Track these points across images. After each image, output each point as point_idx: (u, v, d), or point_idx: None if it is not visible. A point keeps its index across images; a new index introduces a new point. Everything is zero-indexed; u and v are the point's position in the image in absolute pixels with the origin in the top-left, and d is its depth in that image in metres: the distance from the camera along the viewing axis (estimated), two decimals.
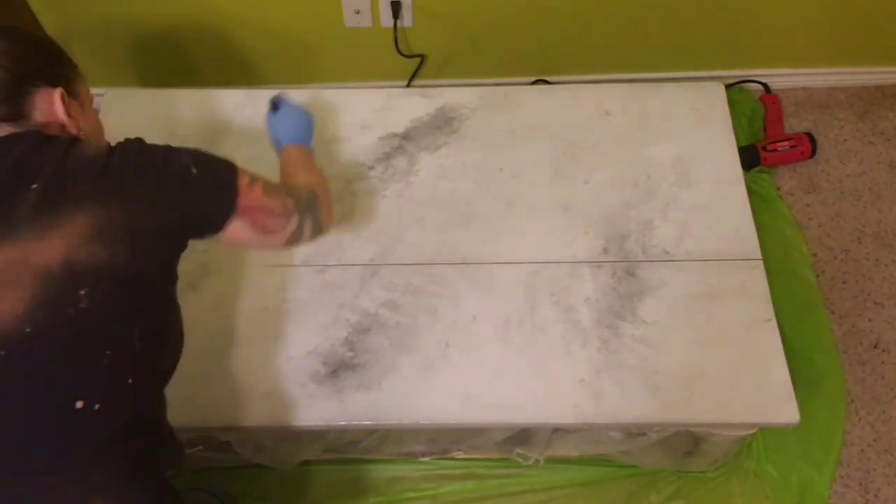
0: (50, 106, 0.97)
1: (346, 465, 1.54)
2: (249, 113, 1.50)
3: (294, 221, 1.09)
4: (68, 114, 0.99)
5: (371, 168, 1.45)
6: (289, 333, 1.28)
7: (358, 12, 1.73)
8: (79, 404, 0.85)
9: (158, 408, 0.98)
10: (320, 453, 1.45)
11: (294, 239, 1.11)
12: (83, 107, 1.05)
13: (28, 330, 0.84)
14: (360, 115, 1.50)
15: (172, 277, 1.00)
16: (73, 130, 1.00)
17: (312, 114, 1.35)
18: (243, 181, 1.02)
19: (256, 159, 1.43)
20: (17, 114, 0.95)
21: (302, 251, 1.35)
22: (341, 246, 1.36)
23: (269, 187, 1.06)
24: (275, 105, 1.32)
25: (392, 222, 1.39)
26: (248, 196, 1.02)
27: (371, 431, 1.36)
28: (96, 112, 1.11)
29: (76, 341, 0.86)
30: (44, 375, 0.85)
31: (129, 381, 0.90)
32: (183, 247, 1.00)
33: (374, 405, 1.22)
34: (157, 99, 1.52)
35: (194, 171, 0.97)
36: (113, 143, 0.97)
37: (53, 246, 0.86)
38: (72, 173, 0.90)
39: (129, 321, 0.91)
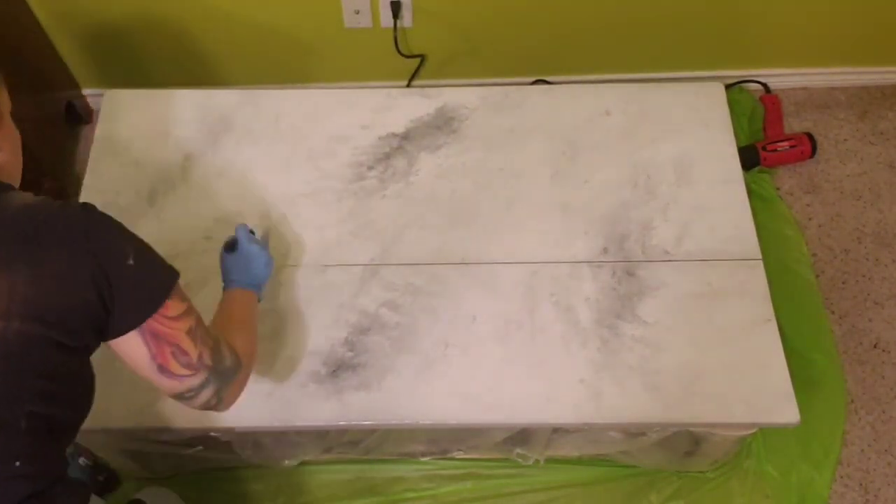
0: None
1: (346, 465, 1.54)
2: (249, 113, 1.50)
3: (198, 380, 0.95)
4: None
5: (371, 168, 1.45)
6: (289, 333, 1.28)
7: (358, 12, 1.73)
8: None
9: (53, 469, 0.88)
10: (320, 453, 1.45)
11: (186, 397, 0.96)
12: (2, 120, 0.96)
13: None
14: (360, 115, 1.50)
15: (70, 360, 0.87)
16: None
17: (270, 256, 1.24)
18: (173, 306, 0.90)
19: (256, 159, 1.44)
20: None
21: (302, 251, 1.35)
22: (341, 246, 1.36)
23: (198, 331, 0.94)
24: (231, 245, 1.20)
25: (392, 222, 1.39)
26: (166, 324, 0.90)
27: (371, 431, 1.36)
28: (12, 128, 1.00)
29: None
30: None
31: (17, 463, 0.82)
32: (74, 339, 0.85)
33: (374, 405, 1.22)
34: (157, 99, 1.52)
35: (130, 262, 0.87)
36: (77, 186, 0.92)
37: None
38: None
39: (13, 401, 0.81)
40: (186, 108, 1.50)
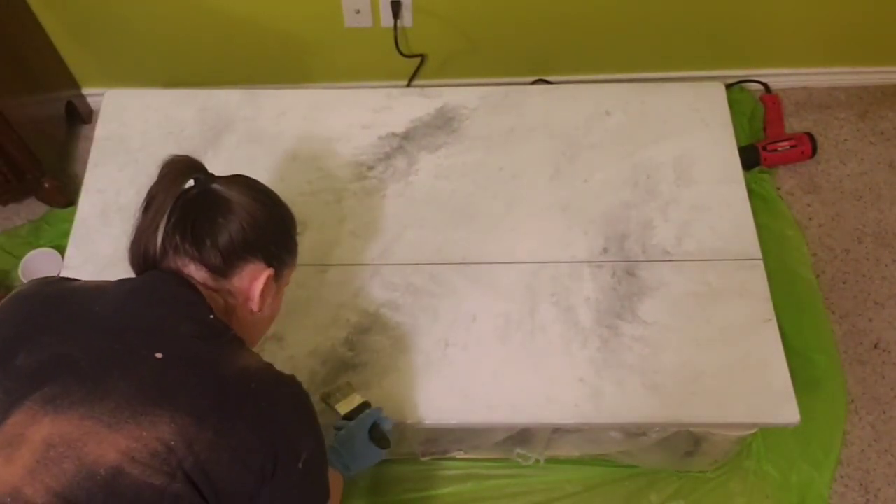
0: (252, 280, 0.95)
1: None
2: (250, 112, 1.50)
3: None
4: (262, 294, 0.95)
5: (371, 168, 1.45)
6: (289, 333, 1.28)
7: (358, 12, 1.73)
8: None
9: None
10: None
11: None
12: (278, 293, 1.02)
13: None
14: (360, 115, 1.50)
15: None
16: (254, 308, 0.96)
17: (384, 453, 1.17)
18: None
19: (256, 159, 1.44)
20: (223, 271, 0.93)
21: (302, 251, 1.35)
22: (341, 246, 1.36)
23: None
24: (378, 436, 1.15)
25: (392, 222, 1.39)
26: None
27: None
28: (280, 302, 1.05)
29: None
30: None
31: None
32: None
33: (375, 405, 1.22)
34: (157, 99, 1.52)
35: (300, 466, 0.86)
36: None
37: (115, 444, 0.77)
38: (202, 372, 0.84)
39: None
40: (187, 107, 1.50)
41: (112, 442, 0.77)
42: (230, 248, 0.92)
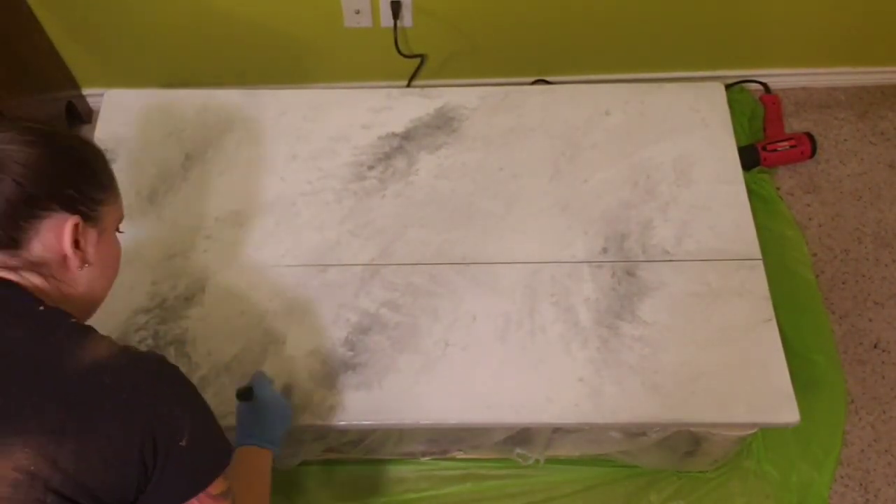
0: (57, 237, 0.83)
1: (346, 465, 1.54)
2: (250, 112, 1.50)
3: None
4: (76, 245, 0.85)
5: (371, 168, 1.45)
6: (289, 333, 1.28)
7: (358, 12, 1.73)
8: None
9: None
10: (320, 453, 1.45)
11: None
12: (103, 234, 0.90)
13: None
14: (360, 115, 1.50)
15: None
16: (75, 265, 0.86)
17: (289, 405, 1.17)
18: (217, 486, 0.86)
19: (257, 159, 1.44)
20: (13, 240, 0.81)
21: (302, 251, 1.35)
22: (341, 246, 1.36)
23: (226, 496, 0.89)
24: (247, 394, 1.12)
25: (392, 222, 1.39)
26: (206, 501, 0.86)
27: (371, 431, 1.36)
28: (111, 246, 0.94)
29: None
30: None
31: None
32: (139, 494, 0.82)
33: (374, 405, 1.22)
34: (157, 99, 1.52)
35: (183, 443, 0.82)
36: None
37: None
38: (48, 387, 0.76)
39: None
40: (187, 107, 1.50)
41: None
42: (10, 213, 0.80)
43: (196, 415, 0.86)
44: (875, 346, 1.69)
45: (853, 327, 1.71)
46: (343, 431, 1.36)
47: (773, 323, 1.29)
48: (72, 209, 0.84)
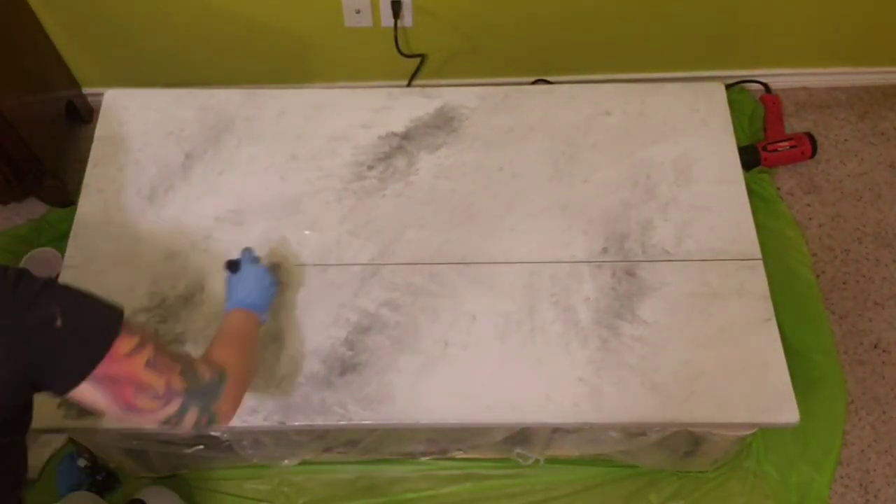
0: None
1: (346, 465, 1.54)
2: (250, 112, 1.50)
3: (174, 406, 0.93)
4: None
5: (371, 168, 1.45)
6: (289, 333, 1.28)
7: (358, 12, 1.73)
8: None
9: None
10: (320, 453, 1.45)
11: (171, 423, 0.94)
12: None
13: None
14: (360, 114, 1.50)
15: (18, 416, 0.88)
16: None
17: (276, 277, 1.25)
18: (124, 344, 0.88)
19: (257, 159, 1.44)
20: None
21: (302, 251, 1.35)
22: (341, 246, 1.36)
23: (158, 360, 0.91)
24: (233, 265, 1.21)
25: (392, 222, 1.39)
26: (119, 364, 0.87)
27: (371, 431, 1.36)
28: None
29: None
30: None
31: None
32: (29, 391, 0.87)
33: (374, 405, 1.22)
34: (157, 99, 1.52)
35: (58, 324, 0.84)
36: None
37: None
38: None
39: None
40: (187, 107, 1.50)
41: None
42: None
43: (64, 296, 0.87)
44: (875, 347, 1.69)
45: (853, 327, 1.71)
46: (343, 431, 1.36)
47: (773, 323, 1.29)
48: None
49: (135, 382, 0.89)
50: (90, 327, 0.88)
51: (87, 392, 0.87)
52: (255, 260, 1.23)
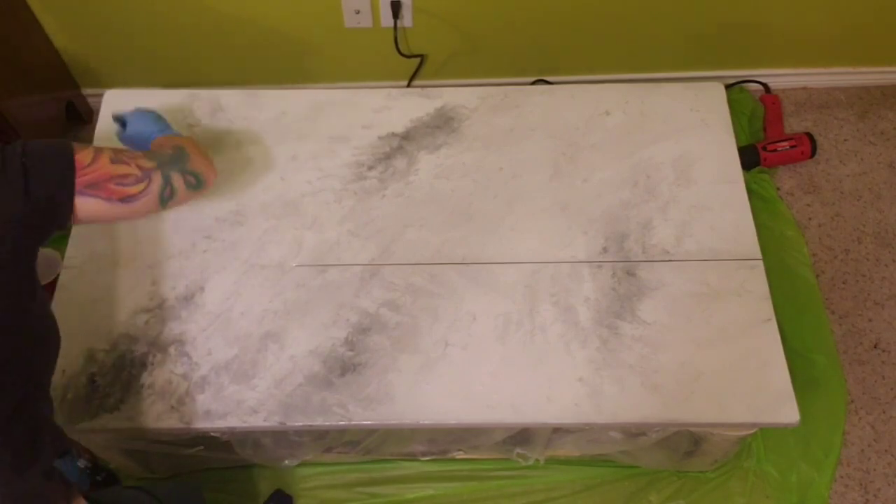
0: None
1: (346, 465, 1.54)
2: (250, 112, 1.50)
3: (157, 179, 1.08)
4: None
5: (371, 168, 1.45)
6: (289, 333, 1.28)
7: (358, 12, 1.73)
8: None
9: (40, 401, 0.97)
10: (320, 453, 1.45)
11: (167, 196, 1.10)
12: None
13: None
14: (360, 115, 1.50)
15: (31, 266, 0.97)
16: None
17: (157, 111, 1.33)
18: (83, 158, 1.01)
19: (257, 159, 1.44)
20: None
21: (302, 251, 1.35)
22: (341, 246, 1.36)
23: (118, 156, 1.05)
24: (120, 121, 1.29)
25: (392, 222, 1.39)
26: (90, 171, 1.01)
27: (371, 431, 1.36)
28: None
29: None
30: None
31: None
32: (32, 241, 0.97)
33: (375, 405, 1.22)
34: (157, 99, 1.52)
35: (24, 161, 0.96)
36: None
37: None
38: None
39: None
40: (187, 107, 1.50)
41: None
42: None
43: (24, 143, 0.98)
44: (875, 347, 1.69)
45: (853, 327, 1.71)
46: (343, 431, 1.36)
47: (773, 323, 1.29)
48: None
49: (112, 178, 1.03)
50: (48, 155, 0.99)
51: (84, 208, 1.01)
52: (128, 112, 1.31)
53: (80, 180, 1.00)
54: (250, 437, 1.34)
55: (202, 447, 1.35)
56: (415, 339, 1.27)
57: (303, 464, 1.51)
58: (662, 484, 1.54)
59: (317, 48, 1.84)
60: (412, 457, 1.53)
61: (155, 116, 1.30)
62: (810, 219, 1.85)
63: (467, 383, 1.24)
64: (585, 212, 1.40)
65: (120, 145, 1.26)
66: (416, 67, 1.88)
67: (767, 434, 1.57)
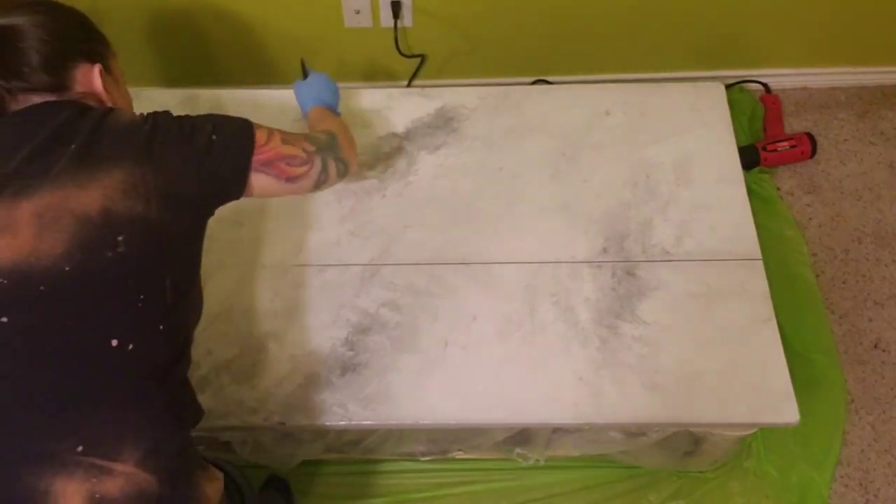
0: (89, 80, 1.04)
1: (346, 465, 1.54)
2: (250, 112, 1.49)
3: (317, 164, 1.15)
4: (105, 88, 1.05)
5: (371, 168, 1.45)
6: (289, 333, 1.28)
7: (358, 12, 1.73)
8: (114, 342, 0.89)
9: (184, 363, 1.02)
10: (320, 453, 1.45)
11: (322, 180, 1.17)
12: (117, 82, 1.11)
13: (67, 268, 0.88)
14: (360, 114, 1.50)
15: (200, 237, 1.05)
16: (109, 103, 1.06)
17: (337, 86, 1.42)
18: (260, 137, 1.07)
19: None
20: (60, 85, 1.01)
21: (302, 251, 1.35)
22: (341, 246, 1.37)
23: (287, 137, 1.12)
24: (304, 72, 1.41)
25: (392, 222, 1.39)
26: (266, 150, 1.07)
27: (371, 431, 1.36)
28: (126, 88, 1.17)
29: (112, 283, 0.90)
30: (81, 312, 0.89)
31: (161, 327, 0.94)
32: (212, 209, 1.05)
33: (374, 405, 1.22)
34: (157, 99, 1.52)
35: (214, 137, 1.02)
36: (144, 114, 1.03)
37: (92, 195, 0.91)
38: (109, 135, 0.96)
39: (162, 270, 0.95)
40: (187, 107, 1.50)
41: (89, 195, 0.90)
42: (50, 63, 0.99)
43: (209, 116, 1.06)
44: (875, 346, 1.69)
45: (853, 327, 1.71)
46: (343, 431, 1.36)
47: (773, 323, 1.29)
48: (92, 59, 1.05)
49: (283, 158, 1.09)
50: (234, 133, 1.06)
51: (260, 181, 1.07)
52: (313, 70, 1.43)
53: (257, 158, 1.06)
54: (250, 437, 1.34)
55: (202, 447, 1.35)
56: (415, 339, 1.27)
57: (303, 464, 1.51)
58: (662, 484, 1.54)
59: (317, 48, 1.84)
60: (412, 457, 1.53)
61: (332, 90, 1.39)
62: (810, 219, 1.85)
63: (467, 383, 1.24)
64: (585, 212, 1.40)
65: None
66: (416, 67, 1.88)
67: (767, 434, 1.57)
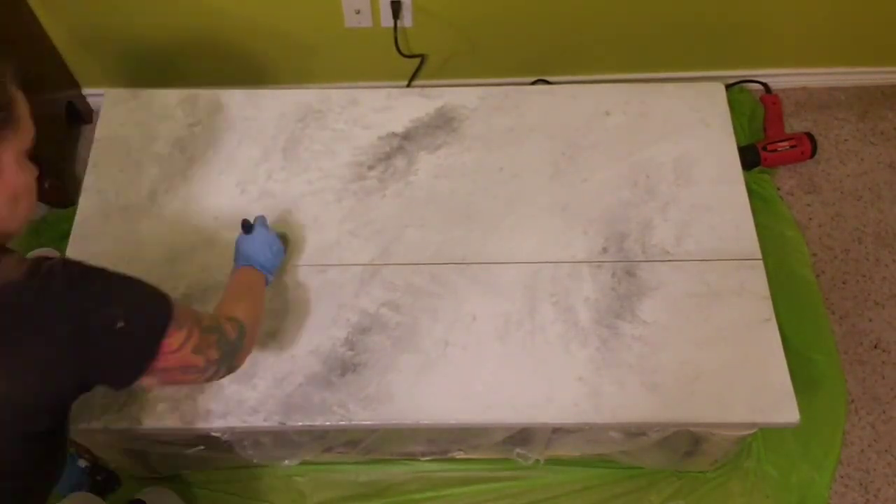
0: None
1: (346, 465, 1.54)
2: (250, 112, 1.50)
3: (210, 373, 1.01)
4: None
5: (371, 168, 1.45)
6: (289, 333, 1.28)
7: (358, 12, 1.73)
8: None
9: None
10: (320, 453, 1.45)
11: (206, 381, 1.03)
12: (13, 162, 0.88)
13: None
14: (360, 115, 1.50)
15: (66, 413, 0.93)
16: None
17: (285, 244, 1.32)
18: (171, 342, 0.92)
19: (256, 158, 1.44)
20: None
21: (302, 251, 1.35)
22: (341, 246, 1.36)
23: (201, 344, 0.96)
24: (247, 226, 1.25)
25: (392, 222, 1.39)
26: (170, 358, 0.92)
27: (371, 431, 1.36)
28: (14, 175, 0.88)
29: None
30: None
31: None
32: (84, 390, 0.91)
33: (374, 405, 1.22)
34: (157, 98, 1.52)
35: (121, 324, 0.87)
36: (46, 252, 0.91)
37: None
38: None
39: (17, 446, 0.86)
40: (187, 108, 1.50)
41: None
42: None
43: (122, 293, 0.91)
44: (875, 347, 1.69)
45: (853, 327, 1.71)
46: (343, 431, 1.36)
47: (773, 323, 1.29)
48: None
49: (182, 367, 0.95)
50: (145, 327, 0.91)
51: (140, 382, 0.93)
52: (268, 227, 1.28)
53: (154, 365, 0.92)
54: (250, 437, 1.34)
55: (203, 447, 1.35)
56: (415, 339, 1.27)
57: (303, 464, 1.51)
58: (662, 484, 1.54)
59: (317, 48, 1.84)
60: (412, 457, 1.53)
61: (276, 251, 1.25)
62: (810, 219, 1.85)
63: (467, 383, 1.24)
64: (585, 212, 1.40)
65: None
66: (416, 67, 1.88)
67: (767, 434, 1.57)
